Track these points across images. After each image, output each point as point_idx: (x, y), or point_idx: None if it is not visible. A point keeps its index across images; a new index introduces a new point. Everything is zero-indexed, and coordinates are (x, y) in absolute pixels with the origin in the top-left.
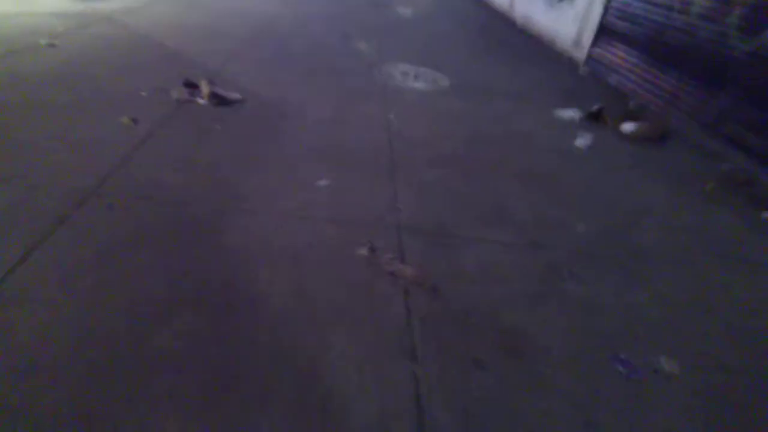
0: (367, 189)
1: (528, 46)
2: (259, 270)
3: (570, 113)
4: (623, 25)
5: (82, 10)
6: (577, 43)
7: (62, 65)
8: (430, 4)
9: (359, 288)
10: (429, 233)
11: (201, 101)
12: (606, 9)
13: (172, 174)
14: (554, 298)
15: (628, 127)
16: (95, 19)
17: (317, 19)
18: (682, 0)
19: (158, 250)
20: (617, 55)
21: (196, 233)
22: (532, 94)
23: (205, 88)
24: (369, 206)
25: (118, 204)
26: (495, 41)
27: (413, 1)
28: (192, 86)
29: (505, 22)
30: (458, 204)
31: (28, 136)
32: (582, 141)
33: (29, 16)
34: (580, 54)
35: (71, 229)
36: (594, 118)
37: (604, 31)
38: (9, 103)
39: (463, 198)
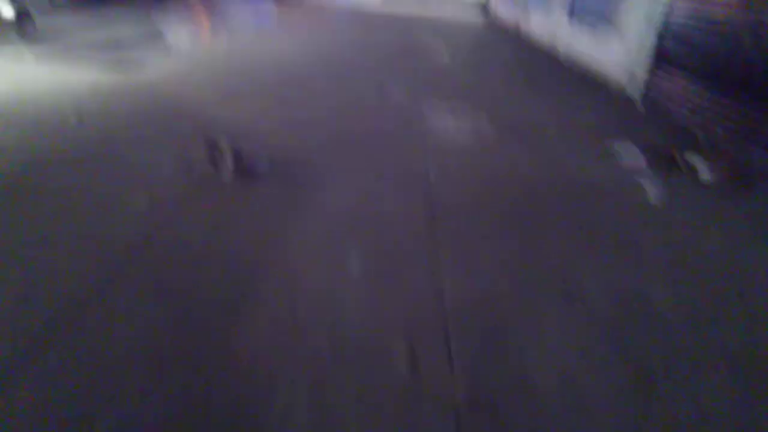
0: (405, 267)
1: (575, 81)
2: (273, 391)
3: (633, 155)
4: (683, 51)
5: (119, 81)
6: (630, 74)
7: (87, 143)
8: (467, 44)
9: (398, 415)
10: (483, 325)
11: (225, 171)
12: (661, 36)
13: (182, 266)
14: (654, 419)
15: (703, 169)
16: (130, 90)
17: (352, 69)
18: (752, 21)
19: (156, 366)
20: (678, 85)
21: (203, 343)
22: (587, 134)
23: (229, 157)
24: (407, 290)
25: (118, 309)
26: (539, 78)
27: (450, 43)
28: (217, 155)
29: (547, 57)
30: (516, 281)
31: (29, 230)
32: (653, 190)
33: (63, 92)
34: (635, 86)
35: (56, 347)
36: (662, 159)
37: (660, 60)
38: (19, 191)
39: (522, 272)
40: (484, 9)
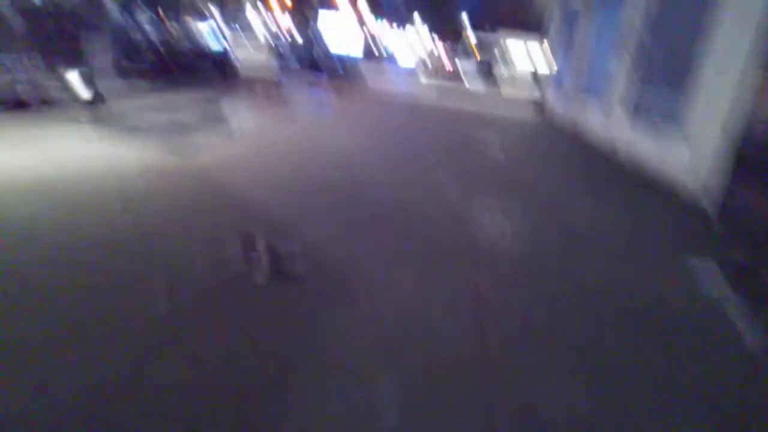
0: (450, 420)
1: (639, 186)
2: None
3: (713, 277)
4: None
5: (172, 164)
6: (702, 182)
7: (123, 231)
8: (523, 141)
9: None
10: None
11: (259, 272)
12: (740, 140)
13: (191, 383)
14: None
15: None
16: (180, 175)
17: (406, 163)
18: None
19: None
20: (763, 196)
21: None
22: (656, 249)
23: (265, 257)
24: None
25: None
26: (599, 181)
27: (505, 140)
28: (253, 254)
29: (608, 158)
30: None
31: (37, 330)
32: (743, 323)
33: (115, 175)
34: (709, 196)
35: None
36: (750, 285)
37: (740, 167)
38: (32, 286)
39: None
40: (539, 106)
